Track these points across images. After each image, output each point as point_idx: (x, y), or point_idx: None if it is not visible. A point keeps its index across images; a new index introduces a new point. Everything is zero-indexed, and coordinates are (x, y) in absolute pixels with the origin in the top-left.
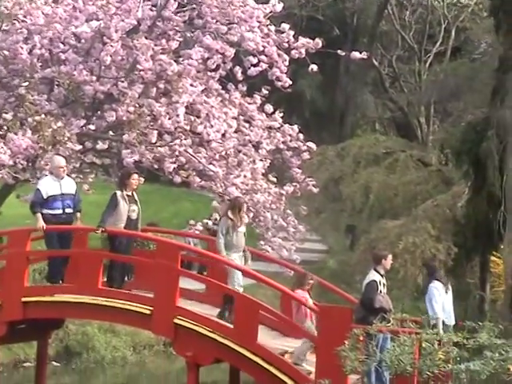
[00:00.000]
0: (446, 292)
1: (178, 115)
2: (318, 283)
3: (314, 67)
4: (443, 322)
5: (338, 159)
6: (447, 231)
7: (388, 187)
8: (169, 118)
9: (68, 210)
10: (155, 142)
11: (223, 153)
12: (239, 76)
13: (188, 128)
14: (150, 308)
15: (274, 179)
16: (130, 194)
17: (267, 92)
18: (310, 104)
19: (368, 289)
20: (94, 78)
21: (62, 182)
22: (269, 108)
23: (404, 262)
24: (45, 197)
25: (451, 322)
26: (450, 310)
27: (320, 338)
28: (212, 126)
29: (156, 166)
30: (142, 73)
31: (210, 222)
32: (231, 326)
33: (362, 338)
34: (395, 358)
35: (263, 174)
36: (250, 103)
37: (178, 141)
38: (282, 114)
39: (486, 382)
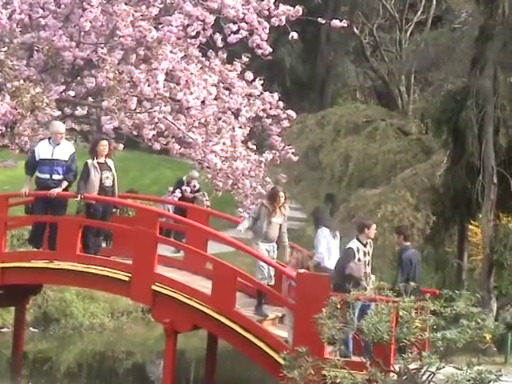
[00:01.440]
0: (334, 238)
1: (157, 82)
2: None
3: (295, 35)
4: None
5: (318, 128)
6: (426, 200)
7: (368, 156)
8: (148, 85)
9: (56, 177)
10: (134, 109)
11: (202, 120)
12: (219, 43)
13: (167, 95)
14: (129, 275)
15: (254, 147)
16: (101, 161)
17: (247, 59)
18: (291, 72)
19: (342, 256)
20: (74, 43)
21: (57, 147)
22: (249, 75)
23: (383, 230)
24: (37, 159)
25: (332, 266)
26: (335, 255)
27: (298, 305)
28: (191, 93)
29: (135, 133)
30: (121, 39)
31: (188, 189)
32: (209, 293)
33: (339, 306)
34: (372, 327)
35: (243, 142)
36: (230, 70)
37: (157, 108)
38: (262, 82)
39: (462, 350)
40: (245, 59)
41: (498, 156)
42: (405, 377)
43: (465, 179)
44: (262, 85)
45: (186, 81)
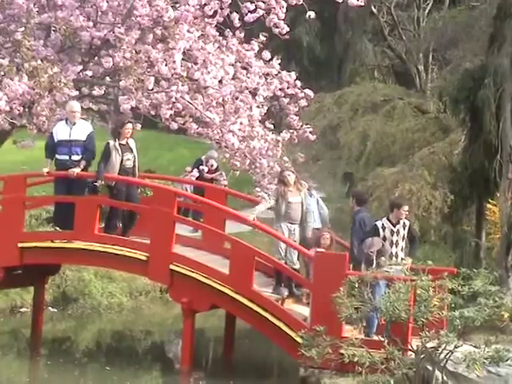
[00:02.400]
0: (311, 196)
1: (174, 62)
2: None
3: (312, 14)
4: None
5: (336, 107)
6: (444, 179)
7: (385, 135)
8: (165, 65)
9: (74, 157)
10: (152, 89)
11: (220, 99)
12: (236, 22)
13: (185, 74)
14: (147, 254)
15: (271, 126)
16: (123, 143)
17: (265, 39)
18: (308, 51)
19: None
20: (91, 23)
21: (74, 127)
22: (266, 55)
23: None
24: (55, 141)
25: (316, 225)
26: (314, 213)
27: (315, 284)
28: (209, 73)
29: (153, 113)
30: (138, 19)
31: (205, 169)
32: (227, 273)
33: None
34: (390, 305)
35: (260, 121)
36: (247, 50)
37: (174, 87)
38: (279, 61)
39: (480, 328)
40: (262, 38)
41: None
42: (422, 355)
43: (482, 158)
44: (279, 64)
45: (204, 60)
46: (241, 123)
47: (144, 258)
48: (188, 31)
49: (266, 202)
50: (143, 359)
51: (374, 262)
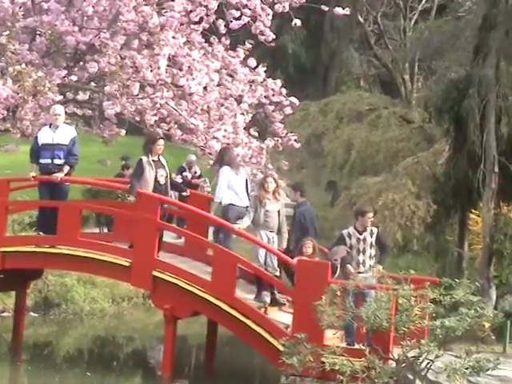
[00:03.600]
0: (237, 175)
1: (159, 67)
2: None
3: (298, 22)
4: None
5: (321, 115)
6: (427, 188)
7: (370, 144)
8: (151, 71)
9: (57, 161)
10: (137, 94)
11: (205, 106)
12: (222, 29)
13: (170, 80)
14: (129, 260)
15: (256, 133)
16: (155, 159)
17: (251, 46)
18: (294, 59)
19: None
20: (76, 28)
21: (57, 131)
22: (252, 62)
23: (383, 218)
24: (39, 145)
25: (244, 203)
26: (241, 192)
27: (297, 292)
28: (194, 79)
29: (137, 119)
30: (124, 24)
31: (189, 175)
32: (209, 280)
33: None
34: (372, 314)
35: (245, 128)
36: (232, 57)
37: (159, 93)
38: (265, 69)
39: (461, 338)
40: (248, 45)
41: (500, 145)
42: (403, 364)
43: (466, 168)
44: (264, 71)
45: (189, 67)
46: (225, 130)
47: (127, 264)
48: (173, 37)
49: (250, 214)
50: (125, 365)
51: (338, 269)
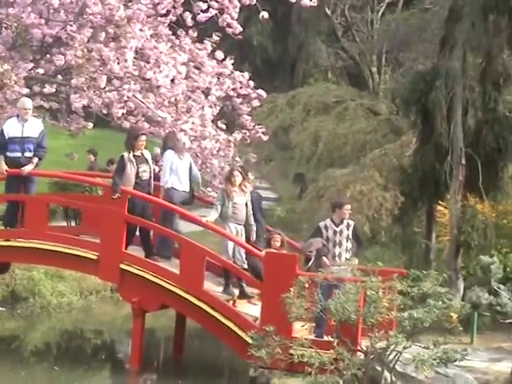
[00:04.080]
0: (181, 158)
1: (126, 60)
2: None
3: (265, 14)
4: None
5: (288, 107)
6: (394, 180)
7: (337, 136)
8: (118, 63)
9: (27, 154)
10: (104, 87)
11: (172, 99)
12: (189, 22)
13: (137, 73)
14: (97, 253)
15: (224, 126)
16: (138, 154)
17: (218, 38)
18: (262, 52)
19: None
20: (43, 21)
21: (26, 124)
22: (219, 55)
23: (351, 210)
24: (6, 138)
25: (185, 188)
26: (184, 176)
27: (266, 284)
28: (161, 72)
29: (105, 112)
30: (91, 17)
31: (156, 168)
32: (177, 273)
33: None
34: (340, 306)
35: (212, 121)
36: (200, 49)
37: (126, 86)
38: (232, 61)
39: (429, 329)
40: (215, 38)
41: (467, 137)
42: (371, 356)
43: (433, 160)
44: (232, 64)
45: (156, 59)
46: (193, 123)
47: (94, 258)
48: (140, 30)
49: (218, 207)
50: (93, 359)
51: (311, 261)
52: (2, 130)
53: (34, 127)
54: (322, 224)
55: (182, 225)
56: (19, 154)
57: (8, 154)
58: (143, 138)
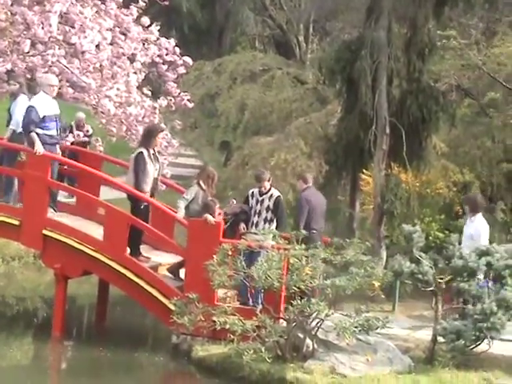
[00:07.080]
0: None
1: (50, 25)
2: None
3: None
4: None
5: (215, 75)
6: (319, 149)
7: (263, 104)
8: (42, 28)
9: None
10: (28, 52)
11: (97, 64)
12: None
13: (61, 38)
14: (19, 219)
15: (149, 92)
16: (153, 152)
17: (144, 4)
18: (189, 18)
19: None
20: None
21: (54, 101)
22: (145, 21)
23: (275, 178)
24: (41, 116)
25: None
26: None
27: (189, 251)
28: (86, 37)
29: (29, 76)
30: None
31: (81, 134)
32: (100, 240)
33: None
34: (263, 274)
35: (138, 87)
36: (126, 15)
37: (51, 51)
38: (159, 28)
39: (351, 297)
40: (141, 4)
41: (391, 106)
42: (294, 324)
43: (358, 129)
44: (158, 30)
45: (81, 24)
46: (118, 89)
47: (16, 223)
48: None
49: (185, 199)
50: (14, 326)
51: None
52: (34, 107)
53: (56, 105)
54: (250, 192)
55: (105, 191)
56: (55, 133)
57: (45, 132)
58: (161, 135)
